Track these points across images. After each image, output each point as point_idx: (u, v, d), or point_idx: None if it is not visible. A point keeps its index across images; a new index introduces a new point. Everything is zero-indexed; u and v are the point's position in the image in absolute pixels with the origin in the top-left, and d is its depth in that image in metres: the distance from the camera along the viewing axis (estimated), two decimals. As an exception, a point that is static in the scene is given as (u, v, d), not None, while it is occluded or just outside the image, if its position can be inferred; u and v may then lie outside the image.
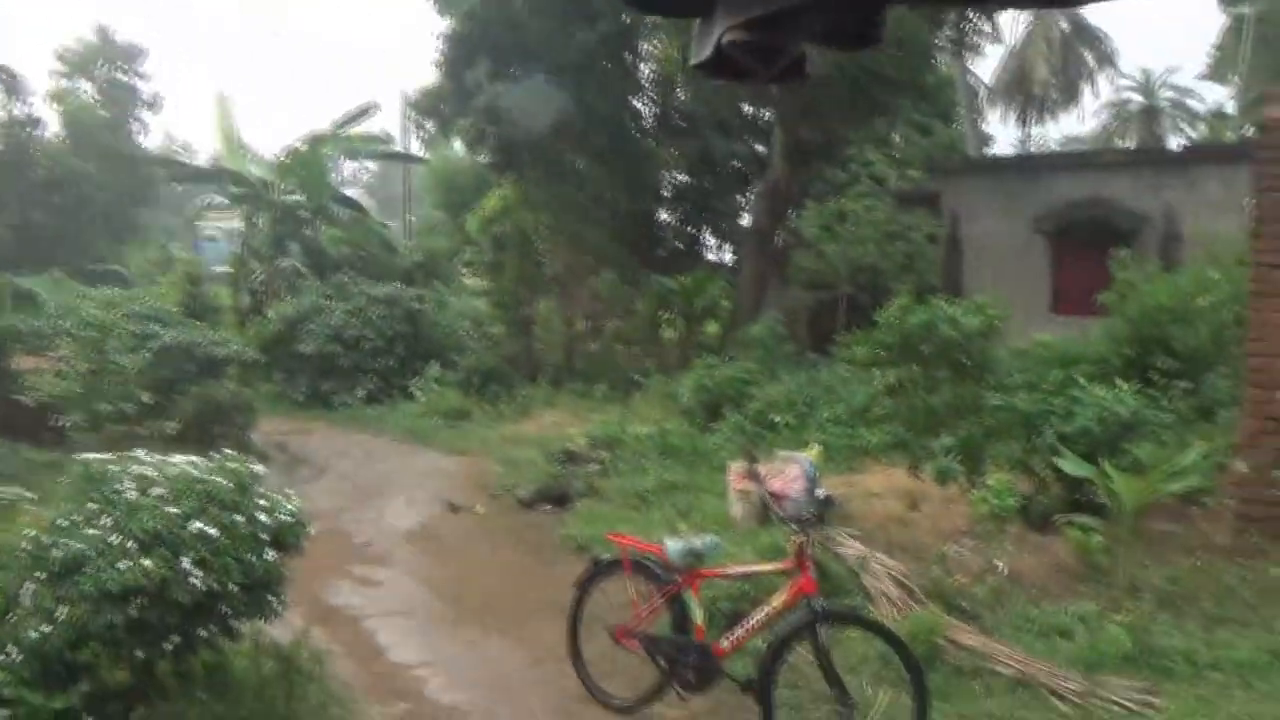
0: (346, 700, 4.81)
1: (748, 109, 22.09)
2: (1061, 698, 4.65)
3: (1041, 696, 4.68)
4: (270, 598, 4.24)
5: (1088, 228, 15.45)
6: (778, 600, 4.50)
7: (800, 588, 4.40)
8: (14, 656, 3.68)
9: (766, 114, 20.32)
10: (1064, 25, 35.77)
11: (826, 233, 16.39)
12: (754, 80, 1.29)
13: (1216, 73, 38.58)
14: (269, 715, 4.34)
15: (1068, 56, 35.86)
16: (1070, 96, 37.19)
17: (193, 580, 3.83)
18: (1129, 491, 6.04)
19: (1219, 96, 39.82)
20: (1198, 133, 37.65)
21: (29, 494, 5.00)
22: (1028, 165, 18.20)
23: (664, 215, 23.73)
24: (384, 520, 8.91)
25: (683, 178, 23.08)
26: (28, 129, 32.74)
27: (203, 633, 4.04)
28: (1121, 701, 4.57)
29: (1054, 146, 41.10)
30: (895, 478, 8.46)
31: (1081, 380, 7.51)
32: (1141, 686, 4.71)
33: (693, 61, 1.25)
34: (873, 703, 4.63)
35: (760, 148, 21.91)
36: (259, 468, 4.66)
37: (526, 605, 6.53)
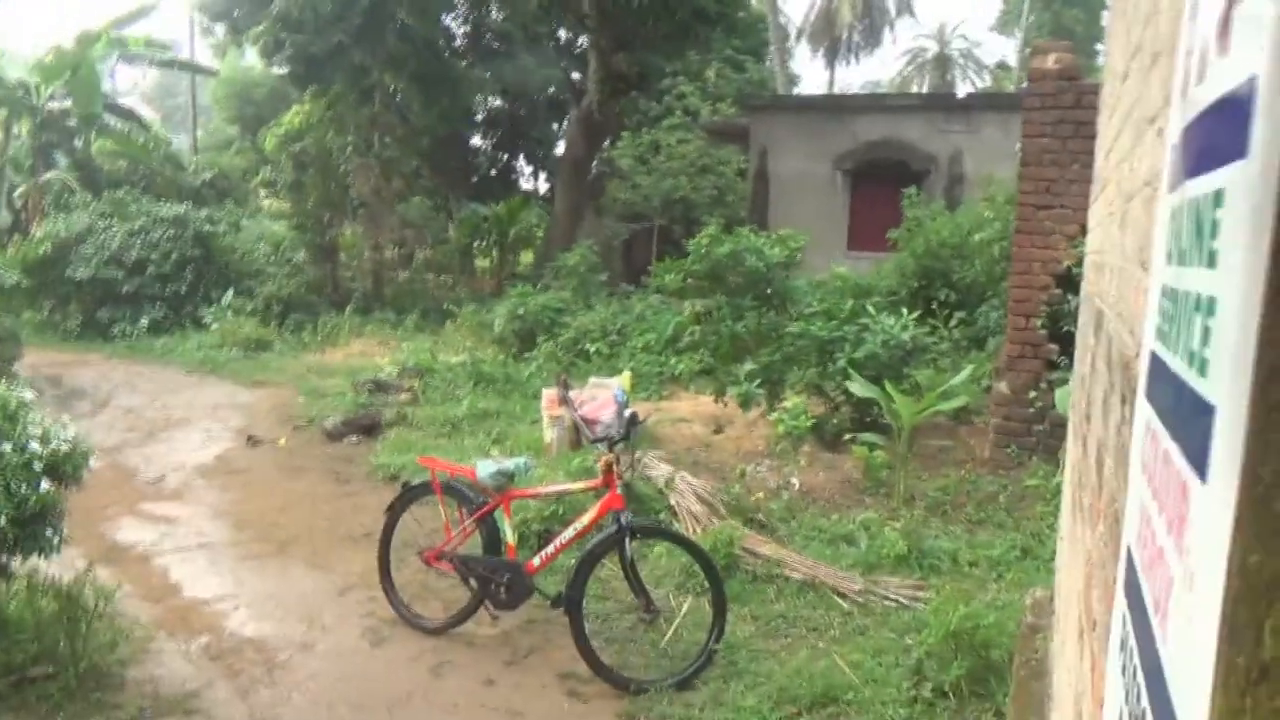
0: (139, 638, 4.61)
1: (564, 34, 21.84)
2: (844, 596, 5.12)
3: (827, 596, 5.13)
4: (47, 532, 3.96)
5: (883, 167, 16.44)
6: (586, 517, 4.67)
7: (608, 504, 4.57)
8: None
9: (582, 40, 20.15)
10: (868, -31, 37.30)
11: (640, 164, 16.60)
12: None
13: (1003, 26, 41.56)
14: (50, 656, 4.10)
15: (871, 2, 37.50)
16: (873, 41, 39.04)
17: (-46, 515, 3.53)
18: (907, 411, 6.63)
19: (1005, 49, 42.85)
20: (984, 82, 40.57)
21: None
22: (831, 105, 19.03)
23: (477, 140, 23.25)
24: (175, 455, 8.42)
25: (497, 103, 22.62)
26: None
27: (-32, 571, 3.75)
28: (894, 597, 5.09)
29: (857, 89, 43.12)
30: (703, 403, 8.85)
31: (871, 310, 8.09)
32: (913, 584, 5.25)
33: None
34: (677, 610, 4.93)
35: (576, 75, 21.76)
36: (28, 394, 4.30)
37: (335, 536, 6.42)
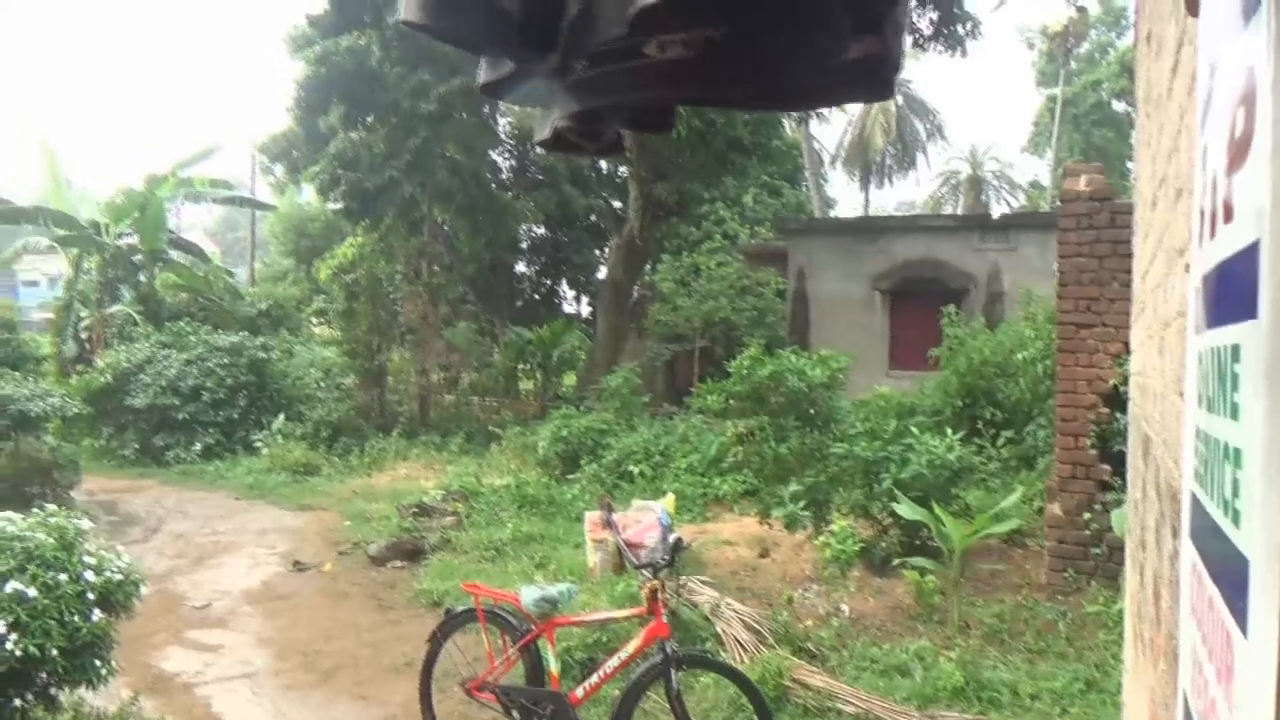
0: (179, 771, 4.55)
1: (605, 165, 22.68)
2: (900, 731, 4.90)
3: (882, 731, 4.92)
4: (96, 663, 3.98)
5: (921, 286, 16.57)
6: (632, 645, 4.58)
7: (653, 632, 4.48)
8: None
9: (623, 170, 20.91)
10: (898, 99, 38.50)
11: (681, 287, 16.92)
12: (584, 154, 1.61)
13: (1034, 147, 42.38)
14: (91, 791, 4.05)
15: (903, 127, 38.56)
16: (906, 164, 39.94)
17: (7, 646, 3.57)
18: (958, 534, 6.48)
19: (1037, 168, 43.55)
20: (1018, 201, 41.12)
21: None
22: (867, 227, 19.39)
23: (521, 267, 23.93)
24: (222, 581, 8.46)
25: (540, 230, 23.37)
26: None
27: (18, 703, 3.75)
28: (953, 731, 4.87)
29: (892, 210, 43.95)
30: (747, 525, 8.72)
31: (915, 430, 8.02)
32: (972, 718, 5.03)
33: (536, 139, 1.54)
34: (724, 745, 4.75)
35: (617, 203, 22.49)
36: (85, 522, 4.40)
37: (378, 664, 6.34)
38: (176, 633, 6.99)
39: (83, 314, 21.08)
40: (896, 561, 7.20)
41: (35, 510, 4.40)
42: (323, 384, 16.69)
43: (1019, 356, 9.94)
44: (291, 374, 16.90)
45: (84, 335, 20.82)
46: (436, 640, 5.09)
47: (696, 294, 16.69)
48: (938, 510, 6.68)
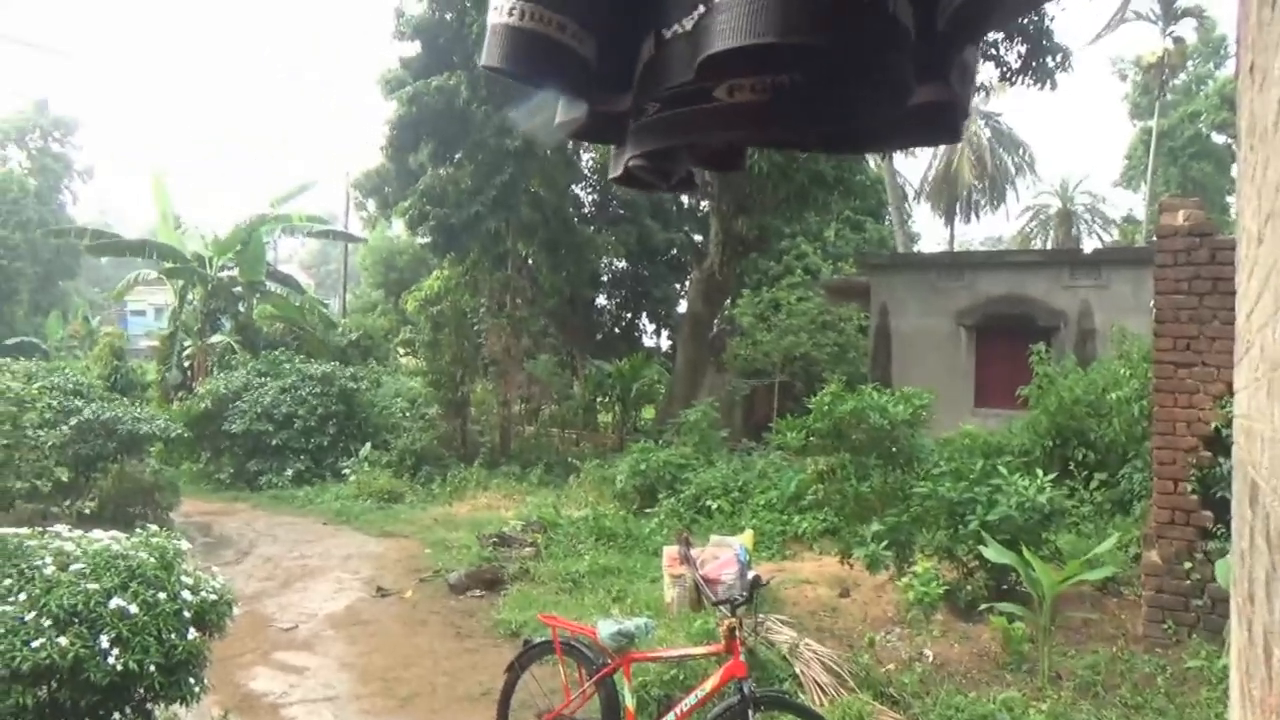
0: (264, 791, 4.65)
1: (686, 200, 22.85)
2: (986, 784, 4.71)
3: (967, 783, 4.74)
4: (190, 680, 4.11)
5: (1008, 323, 16.15)
6: (709, 684, 4.51)
7: (731, 671, 4.42)
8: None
9: (704, 205, 21.02)
10: (986, 132, 37.85)
11: (761, 321, 16.84)
12: (656, 190, 1.73)
13: (1127, 181, 41.12)
14: (181, 807, 4.16)
15: (992, 161, 37.83)
16: (994, 198, 39.12)
17: (110, 660, 3.72)
18: (1049, 580, 6.24)
19: (1131, 202, 42.23)
20: (1110, 236, 39.85)
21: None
22: (952, 262, 19.02)
23: (602, 300, 24.16)
24: (308, 605, 8.66)
25: (621, 264, 23.59)
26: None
27: (117, 716, 3.90)
28: (1044, 787, 4.66)
29: (978, 245, 43.02)
30: (826, 564, 8.56)
31: (1003, 470, 7.78)
32: (1063, 772, 4.81)
33: (610, 176, 1.62)
34: (802, 790, 4.63)
35: (698, 237, 22.58)
36: (184, 544, 4.57)
37: (454, 692, 6.39)
38: (264, 654, 7.17)
39: (186, 343, 22.08)
40: (983, 607, 6.97)
41: (138, 530, 4.59)
42: (408, 413, 17.09)
43: (1113, 396, 9.58)
44: (379, 403, 17.36)
45: (186, 363, 21.79)
46: (514, 671, 5.11)
47: (776, 329, 16.59)
48: (1027, 554, 6.45)
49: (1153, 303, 7.03)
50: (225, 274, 22.74)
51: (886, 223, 28.53)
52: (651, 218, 22.00)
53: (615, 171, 1.53)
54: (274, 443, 15.92)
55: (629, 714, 4.72)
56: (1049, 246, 39.13)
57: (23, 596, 3.85)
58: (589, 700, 4.88)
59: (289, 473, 15.57)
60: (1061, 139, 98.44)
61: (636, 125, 1.42)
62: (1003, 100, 43.89)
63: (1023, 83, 14.81)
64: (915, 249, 32.24)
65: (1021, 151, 38.94)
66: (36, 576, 3.95)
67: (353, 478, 14.72)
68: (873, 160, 21.43)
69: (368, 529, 12.18)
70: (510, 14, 1.27)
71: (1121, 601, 7.49)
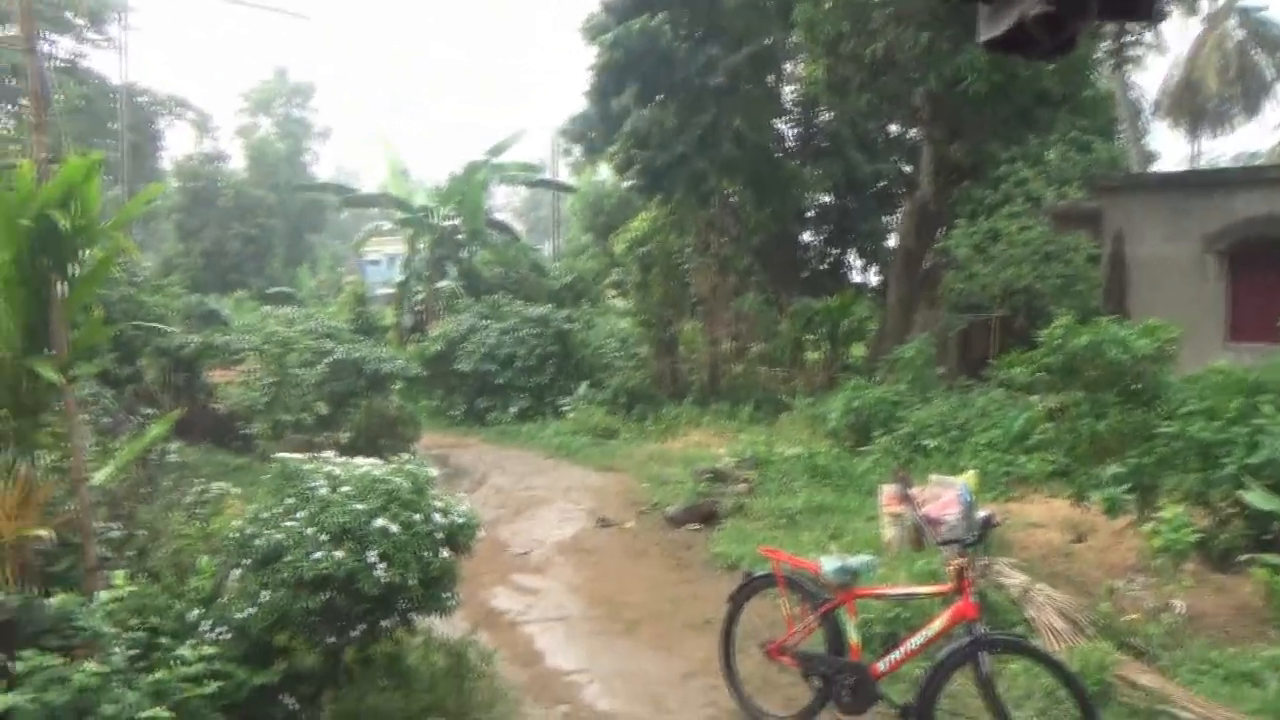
0: (511, 699, 4.99)
1: (895, 129, 21.77)
2: (1251, 746, 4.32)
3: (1228, 743, 4.36)
4: (444, 595, 4.45)
5: (1269, 247, 14.33)
6: (938, 624, 4.38)
7: (960, 612, 4.26)
8: (224, 635, 4.02)
9: (913, 133, 19.93)
10: (1239, 33, 33.45)
11: (978, 253, 15.85)
12: (1034, 53, 1.59)
13: None
14: (441, 707, 4.54)
15: (1243, 65, 33.44)
16: (1247, 108, 34.64)
17: (378, 572, 4.08)
18: (1325, 529, 5.57)
19: None
20: (1395, 145, 34.40)
21: (235, 489, 5.44)
22: (1199, 181, 17.04)
23: (808, 237, 23.58)
24: (537, 532, 9.17)
25: (826, 199, 22.88)
26: (216, 163, 35.79)
27: (385, 624, 4.29)
28: (1321, 754, 4.21)
29: (1227, 163, 38.36)
30: (1057, 508, 8.05)
31: (1268, 410, 6.97)
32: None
33: (982, 37, 1.54)
34: (1039, 738, 4.44)
35: (907, 167, 21.49)
36: (433, 471, 4.91)
37: (677, 619, 6.58)
38: (502, 575, 7.68)
39: (417, 289, 23.69)
40: (1243, 557, 6.32)
41: (390, 459, 4.99)
42: (620, 353, 17.58)
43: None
44: (592, 344, 17.96)
45: (418, 308, 23.40)
46: (736, 601, 5.18)
47: (995, 261, 15.54)
48: (1298, 501, 5.78)
49: None
50: (448, 223, 24.11)
51: (1118, 141, 25.95)
52: (858, 149, 21.13)
53: (993, 30, 1.46)
54: (498, 381, 16.87)
55: (854, 649, 4.67)
56: (1317, 160, 34.29)
57: (302, 514, 4.28)
58: (811, 634, 4.87)
59: (513, 410, 16.46)
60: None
61: None
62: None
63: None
64: (1153, 169, 29.20)
65: (1281, 50, 34.10)
66: (312, 497, 4.38)
67: (571, 414, 15.37)
68: (1103, 73, 19.41)
69: (587, 463, 12.68)
70: None
71: None
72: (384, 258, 39.32)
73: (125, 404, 9.73)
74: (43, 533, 4.45)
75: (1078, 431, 8.07)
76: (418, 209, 24.32)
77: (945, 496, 7.28)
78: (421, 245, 24.27)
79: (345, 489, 4.46)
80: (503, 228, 27.91)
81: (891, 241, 21.58)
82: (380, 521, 4.26)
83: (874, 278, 23.32)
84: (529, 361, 16.97)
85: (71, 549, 4.68)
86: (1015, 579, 6.01)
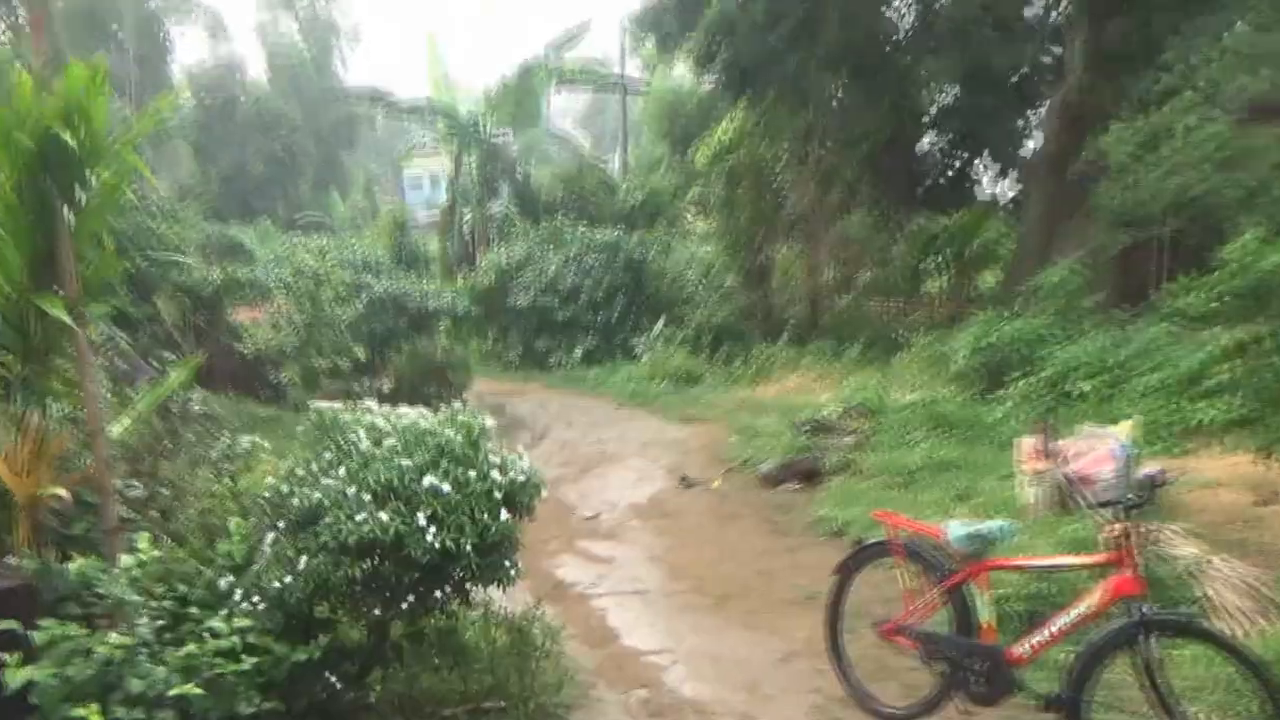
0: (581, 682, 5.08)
1: (1038, 7, 20.87)
2: None
3: None
4: (505, 563, 4.51)
5: None
6: (1092, 600, 4.28)
7: (1119, 587, 4.16)
8: (259, 605, 4.16)
9: (1057, 14, 19.07)
10: None
11: (1140, 157, 15.23)
12: None
13: None
14: (501, 690, 4.64)
15: None
16: None
17: (428, 537, 4.14)
18: None
19: None
20: None
21: (265, 443, 5.60)
22: None
23: (927, 142, 22.92)
24: (608, 492, 9.28)
25: (949, 97, 22.15)
26: (235, 73, 36.38)
27: (437, 595, 4.37)
28: None
29: None
30: (1239, 464, 7.81)
31: None
32: None
33: None
34: (1216, 738, 4.33)
35: (1051, 53, 20.64)
36: (489, 421, 4.95)
37: (773, 594, 6.60)
38: (568, 541, 7.80)
39: (465, 213, 23.90)
40: None
41: (439, 409, 5.04)
42: (702, 284, 17.49)
43: None
44: (669, 273, 17.91)
45: (466, 235, 23.64)
46: (844, 573, 5.14)
47: (1162, 166, 14.93)
48: None
49: None
50: (500, 137, 24.14)
51: (1322, 15, 24.47)
52: (990, 33, 20.35)
53: None
54: (560, 319, 16.98)
55: (987, 629, 4.61)
56: None
57: (342, 471, 4.36)
58: (935, 611, 4.82)
59: (578, 351, 16.60)
60: None
61: None
62: None
63: None
64: (1365, 48, 27.50)
65: None
66: (353, 451, 4.46)
67: (645, 356, 15.42)
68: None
69: (665, 413, 12.75)
70: None
71: None
72: (427, 178, 39.74)
73: (142, 348, 10.09)
74: (59, 491, 4.64)
75: (1267, 372, 7.73)
76: (465, 119, 24.41)
77: (1098, 451, 7.10)
78: (469, 162, 24.39)
79: (390, 442, 4.52)
80: (563, 140, 27.87)
81: (1031, 146, 20.84)
82: (430, 479, 4.31)
83: (1009, 190, 22.60)
84: (596, 295, 17.03)
85: (89, 508, 4.87)
86: (1186, 549, 5.85)
